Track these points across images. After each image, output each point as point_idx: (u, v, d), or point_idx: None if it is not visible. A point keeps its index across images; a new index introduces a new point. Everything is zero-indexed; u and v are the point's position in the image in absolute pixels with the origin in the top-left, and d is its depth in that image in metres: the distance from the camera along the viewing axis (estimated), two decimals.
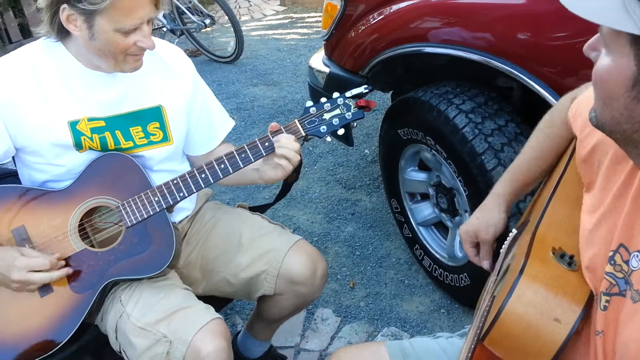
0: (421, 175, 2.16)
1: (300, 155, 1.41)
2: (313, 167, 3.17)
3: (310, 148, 3.34)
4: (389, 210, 2.43)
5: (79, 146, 1.34)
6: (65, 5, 1.19)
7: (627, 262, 0.78)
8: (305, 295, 1.55)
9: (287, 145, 1.30)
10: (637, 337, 0.73)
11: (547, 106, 1.53)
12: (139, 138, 1.40)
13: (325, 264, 1.56)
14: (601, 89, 0.69)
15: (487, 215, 1.18)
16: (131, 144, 1.39)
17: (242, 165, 1.32)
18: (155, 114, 1.42)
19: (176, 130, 1.46)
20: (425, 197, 2.22)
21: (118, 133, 1.38)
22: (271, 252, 1.50)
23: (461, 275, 1.98)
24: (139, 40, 1.24)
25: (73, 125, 1.33)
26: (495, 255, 1.20)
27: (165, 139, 1.44)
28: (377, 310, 2.16)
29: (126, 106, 1.39)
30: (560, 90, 1.51)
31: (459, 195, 1.95)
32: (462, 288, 1.99)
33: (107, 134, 1.37)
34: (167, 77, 1.45)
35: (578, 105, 1.04)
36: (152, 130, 1.42)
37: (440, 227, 2.21)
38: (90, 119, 1.35)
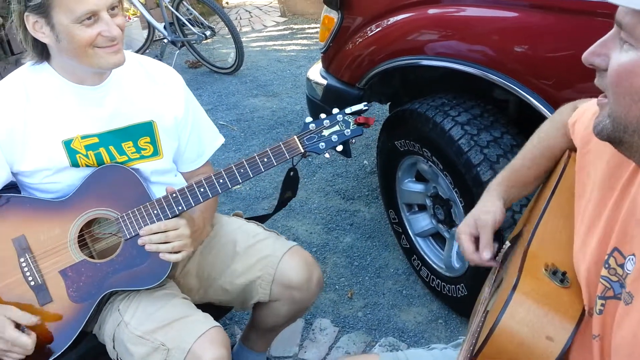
0: (418, 187, 2.18)
1: (296, 172, 1.42)
2: (312, 177, 3.19)
3: (310, 159, 3.35)
4: (387, 221, 2.44)
5: (75, 165, 1.36)
6: (26, 13, 1.20)
7: (621, 266, 0.80)
8: (301, 301, 1.56)
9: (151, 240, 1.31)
10: (628, 338, 0.74)
11: (542, 118, 1.56)
12: (132, 152, 1.42)
13: (320, 270, 1.58)
14: (626, 86, 0.65)
15: (484, 204, 1.15)
16: (125, 157, 1.41)
17: (240, 181, 1.33)
18: (146, 129, 1.43)
19: (167, 145, 1.47)
20: (422, 208, 2.24)
21: (112, 148, 1.39)
22: (266, 259, 1.51)
23: (458, 286, 1.99)
24: (103, 30, 1.21)
25: (67, 144, 1.34)
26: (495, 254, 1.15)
27: (156, 153, 1.45)
28: (375, 321, 2.17)
29: (118, 122, 1.39)
30: (555, 103, 1.53)
31: (456, 206, 1.96)
32: (460, 299, 2.00)
33: (102, 150, 1.38)
34: (158, 93, 1.46)
35: (579, 115, 1.06)
36: (143, 145, 1.43)
37: (438, 238, 2.22)
38: (83, 137, 1.36)
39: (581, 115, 1.04)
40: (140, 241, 1.29)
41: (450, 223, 2.05)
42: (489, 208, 1.13)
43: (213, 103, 4.33)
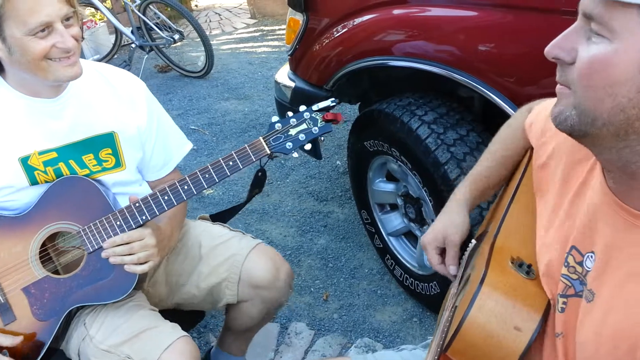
0: (389, 186, 2.19)
1: (264, 172, 1.41)
2: (285, 180, 3.17)
3: (282, 161, 3.34)
4: (361, 221, 2.44)
5: (34, 182, 1.32)
6: None
7: (580, 264, 0.80)
8: (271, 299, 1.54)
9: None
10: (592, 336, 0.75)
11: (506, 115, 1.58)
12: (93, 165, 1.38)
13: (288, 266, 1.55)
14: (600, 78, 0.63)
15: (452, 218, 1.16)
16: (87, 171, 1.37)
17: (205, 186, 1.31)
18: (107, 141, 1.39)
19: (129, 156, 1.44)
20: (394, 207, 2.24)
21: (72, 162, 1.35)
22: (231, 259, 1.49)
23: (431, 284, 2.00)
24: (57, 41, 1.17)
25: (24, 161, 1.30)
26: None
27: (118, 164, 1.42)
28: (350, 322, 2.17)
29: (77, 134, 1.35)
30: (517, 100, 1.55)
31: (426, 205, 1.97)
32: (433, 296, 2.01)
33: (62, 165, 1.34)
34: (119, 103, 1.42)
35: (535, 116, 1.07)
36: (105, 157, 1.39)
37: (410, 237, 2.23)
38: (41, 152, 1.31)
39: (537, 117, 1.06)
40: (104, 254, 1.26)
41: (422, 221, 2.06)
42: (457, 222, 1.14)
43: (184, 107, 4.28)
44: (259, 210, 2.92)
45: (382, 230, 2.27)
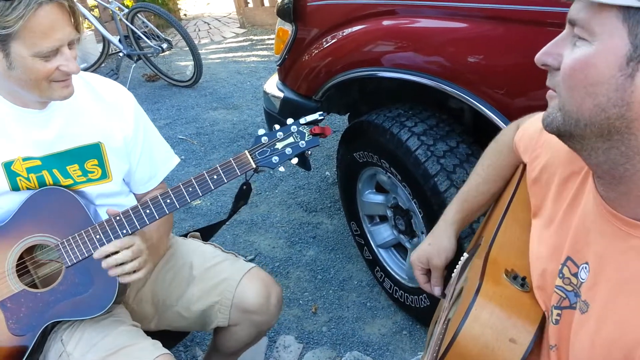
0: (378, 198, 2.16)
1: (249, 185, 1.38)
2: (274, 190, 3.15)
3: (271, 172, 3.30)
4: (350, 232, 2.42)
5: (15, 188, 1.29)
6: None
7: (575, 275, 0.80)
8: (261, 323, 1.52)
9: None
10: (586, 348, 0.74)
11: (496, 127, 1.57)
12: (77, 176, 1.35)
13: (280, 290, 1.53)
14: (581, 79, 0.66)
15: (439, 242, 1.18)
16: (71, 181, 1.35)
17: (189, 200, 1.27)
18: (93, 151, 1.37)
19: (116, 167, 1.41)
20: (383, 219, 2.22)
21: (56, 172, 1.33)
22: (224, 283, 1.46)
23: (421, 297, 1.98)
24: (62, 64, 1.18)
25: (7, 166, 1.28)
26: (445, 282, 1.20)
27: (104, 176, 1.39)
28: (339, 335, 2.14)
29: (63, 144, 1.33)
30: (507, 112, 1.54)
31: (415, 217, 1.95)
32: (423, 309, 1.98)
33: (45, 173, 1.31)
34: (107, 113, 1.40)
35: (523, 131, 1.07)
36: (90, 168, 1.37)
37: (400, 249, 2.21)
38: (25, 159, 1.29)
39: (525, 132, 1.06)
40: (104, 264, 1.22)
41: (412, 233, 2.04)
42: (443, 246, 1.17)
43: (172, 117, 4.25)
44: (248, 221, 2.88)
45: (371, 242, 2.25)
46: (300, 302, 2.32)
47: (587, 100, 0.66)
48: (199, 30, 6.86)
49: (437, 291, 1.19)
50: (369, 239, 2.25)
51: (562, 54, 0.69)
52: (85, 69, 4.83)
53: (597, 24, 0.64)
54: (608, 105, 0.65)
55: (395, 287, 2.14)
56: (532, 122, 1.05)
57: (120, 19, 4.64)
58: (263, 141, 1.28)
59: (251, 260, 2.39)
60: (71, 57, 1.20)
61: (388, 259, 2.21)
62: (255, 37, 6.27)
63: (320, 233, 2.74)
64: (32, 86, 1.20)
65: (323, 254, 2.59)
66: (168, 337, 1.65)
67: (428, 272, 1.21)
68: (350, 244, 2.58)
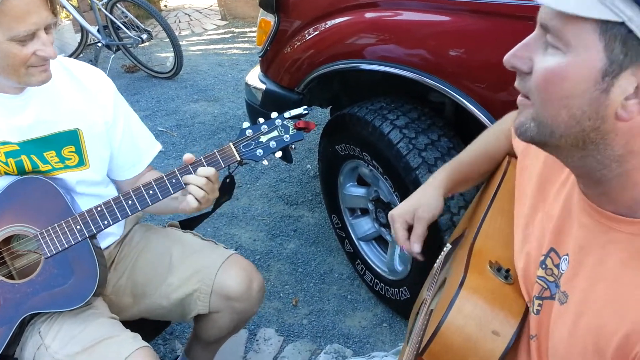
0: (360, 191, 2.17)
1: (232, 179, 1.37)
2: (255, 183, 3.13)
3: (252, 165, 3.30)
4: (331, 225, 2.42)
5: None
6: None
7: (557, 266, 0.80)
8: (242, 311, 1.51)
9: (193, 181, 1.26)
10: (564, 338, 0.74)
11: (477, 120, 1.58)
12: (55, 162, 1.33)
13: (261, 278, 1.53)
14: (555, 91, 0.64)
15: (426, 199, 1.14)
16: (49, 167, 1.32)
17: (172, 192, 1.26)
18: (70, 138, 1.35)
19: (94, 155, 1.39)
20: (365, 212, 2.23)
21: (34, 157, 1.30)
22: (203, 270, 1.45)
23: (401, 289, 1.99)
24: (38, 49, 1.16)
25: None
26: (428, 268, 1.19)
27: (82, 163, 1.37)
28: (320, 328, 2.14)
29: (40, 130, 1.31)
30: (489, 106, 1.55)
31: None
32: (403, 301, 2.00)
33: (24, 157, 1.29)
34: (85, 99, 1.38)
35: None
36: (67, 155, 1.35)
37: (381, 242, 2.22)
38: (2, 143, 1.27)
39: None
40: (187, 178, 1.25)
41: None
42: (430, 202, 1.13)
43: (152, 109, 4.20)
44: (228, 214, 2.87)
45: (352, 234, 2.25)
46: (281, 295, 2.32)
47: (562, 112, 0.64)
48: (180, 22, 6.78)
49: (416, 247, 1.12)
50: (350, 231, 2.26)
51: (532, 58, 0.66)
52: None
53: (571, 35, 0.61)
54: (583, 118, 0.63)
55: (375, 280, 2.15)
56: None
57: (99, 9, 4.56)
58: (247, 134, 1.28)
59: None
60: (48, 42, 1.18)
61: (369, 251, 2.22)
62: (237, 30, 6.22)
63: (301, 226, 2.73)
64: (10, 72, 1.18)
65: (304, 247, 2.59)
66: (148, 329, 1.64)
67: (409, 230, 1.15)
68: (331, 237, 2.58)
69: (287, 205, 2.91)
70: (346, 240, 2.29)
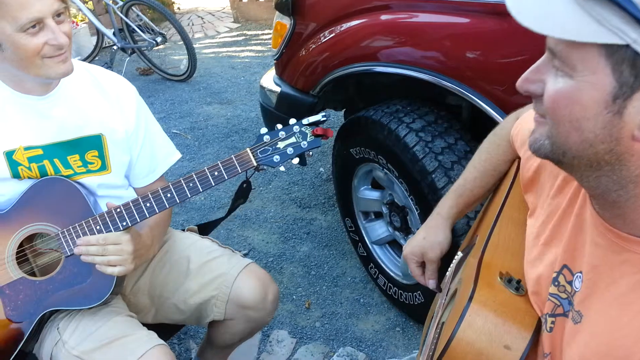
0: (374, 194, 2.17)
1: (249, 184, 1.38)
2: (268, 186, 3.14)
3: (265, 167, 3.30)
4: (344, 229, 2.42)
5: (16, 176, 1.28)
6: None
7: (570, 283, 0.79)
8: (257, 319, 1.52)
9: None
10: (577, 359, 0.73)
11: (495, 123, 1.57)
12: (77, 166, 1.34)
13: (276, 288, 1.54)
14: (566, 114, 0.62)
15: (433, 236, 1.17)
16: (71, 171, 1.34)
17: (189, 195, 1.27)
18: (94, 143, 1.36)
19: (116, 160, 1.40)
20: (379, 215, 2.23)
21: (57, 161, 1.32)
22: (221, 277, 1.46)
23: (415, 293, 1.98)
24: (50, 38, 1.16)
25: (9, 155, 1.27)
26: (440, 275, 1.19)
27: (104, 167, 1.38)
28: (332, 330, 2.14)
29: (65, 134, 1.32)
30: (506, 108, 1.54)
31: (412, 214, 1.96)
32: (417, 306, 1.99)
33: (46, 162, 1.30)
34: (109, 105, 1.39)
35: (521, 124, 1.05)
36: (90, 159, 1.36)
37: (395, 246, 2.21)
38: (26, 148, 1.28)
39: (522, 126, 1.04)
40: (76, 250, 1.22)
41: (407, 230, 2.05)
42: (438, 239, 1.16)
43: (165, 111, 4.23)
44: (241, 217, 2.88)
45: (366, 238, 2.25)
46: (294, 297, 2.32)
47: (573, 135, 0.63)
48: (193, 25, 6.83)
49: (431, 284, 1.19)
50: (364, 235, 2.26)
51: (544, 80, 0.65)
52: None
53: (577, 60, 0.60)
54: (596, 142, 0.62)
55: (389, 284, 2.14)
56: (531, 114, 1.04)
57: (115, 12, 4.60)
58: (265, 140, 1.28)
59: (244, 256, 2.39)
60: (57, 30, 1.17)
61: (382, 255, 2.22)
62: (249, 32, 6.25)
63: (314, 229, 2.74)
64: (26, 65, 1.18)
65: (317, 249, 2.59)
66: (163, 330, 1.65)
67: (423, 265, 1.20)
68: (344, 240, 2.58)
69: (300, 208, 2.92)
70: (359, 243, 2.29)
